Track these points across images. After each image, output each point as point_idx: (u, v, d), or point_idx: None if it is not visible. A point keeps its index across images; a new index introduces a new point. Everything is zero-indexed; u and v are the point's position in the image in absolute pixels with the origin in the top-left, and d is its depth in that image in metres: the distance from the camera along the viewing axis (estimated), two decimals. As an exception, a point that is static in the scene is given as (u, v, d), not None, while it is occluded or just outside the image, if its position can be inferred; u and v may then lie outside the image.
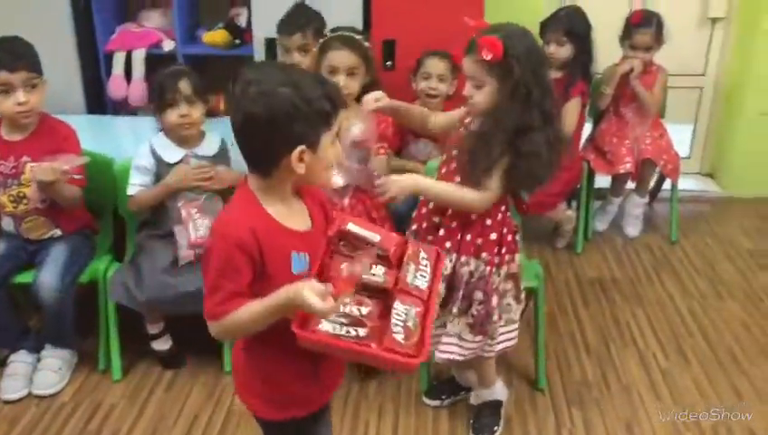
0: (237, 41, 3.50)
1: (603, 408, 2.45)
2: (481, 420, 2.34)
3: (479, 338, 2.14)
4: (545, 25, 3.21)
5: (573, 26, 3.16)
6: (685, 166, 3.75)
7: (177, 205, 2.43)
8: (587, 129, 3.51)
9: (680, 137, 3.86)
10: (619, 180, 3.52)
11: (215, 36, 3.46)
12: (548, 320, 2.79)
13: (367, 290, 1.45)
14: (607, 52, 3.35)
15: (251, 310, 1.39)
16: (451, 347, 2.15)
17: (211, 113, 3.67)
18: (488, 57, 1.87)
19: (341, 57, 2.48)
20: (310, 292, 1.31)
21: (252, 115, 1.38)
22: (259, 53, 3.22)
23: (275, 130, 1.39)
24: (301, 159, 1.41)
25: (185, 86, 2.43)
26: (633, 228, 3.55)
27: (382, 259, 1.50)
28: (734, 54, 3.87)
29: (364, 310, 1.42)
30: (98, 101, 3.50)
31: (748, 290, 3.13)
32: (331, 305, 1.32)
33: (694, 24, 3.89)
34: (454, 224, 2.09)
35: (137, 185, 2.47)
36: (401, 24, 3.12)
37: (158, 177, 2.47)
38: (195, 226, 2.41)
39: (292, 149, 1.40)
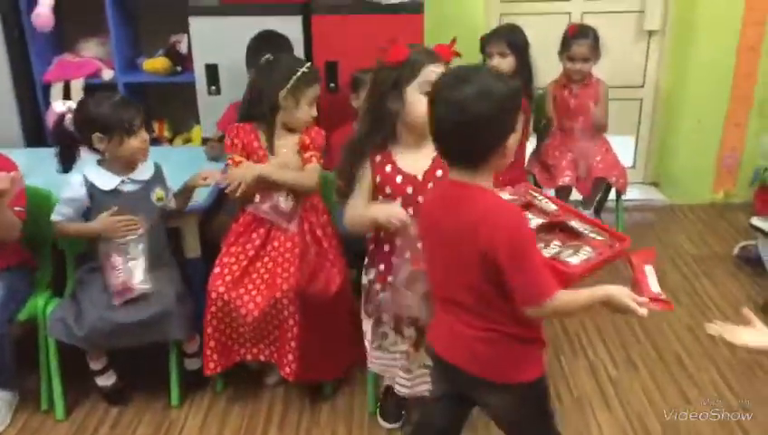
0: (178, 68, 3.47)
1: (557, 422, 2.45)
2: None
3: None
4: (487, 39, 3.24)
5: (515, 39, 3.20)
6: (630, 176, 3.81)
7: (104, 251, 2.38)
8: (532, 143, 3.55)
9: (624, 148, 3.94)
10: (562, 193, 3.56)
11: (155, 64, 3.44)
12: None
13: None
14: (546, 71, 3.41)
15: (574, 297, 1.62)
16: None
17: (156, 140, 3.67)
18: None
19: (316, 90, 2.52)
20: (627, 297, 1.62)
21: (480, 114, 1.55)
22: (200, 80, 3.20)
23: (501, 123, 1.59)
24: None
25: (141, 112, 2.41)
26: None
27: None
28: (671, 66, 3.97)
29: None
30: (36, 133, 3.44)
31: (693, 295, 3.19)
32: (642, 310, 1.62)
33: (631, 38, 3.98)
34: None
35: (60, 214, 2.41)
36: (342, 46, 3.13)
37: (95, 205, 2.40)
38: (116, 275, 2.36)
39: (508, 138, 1.60)
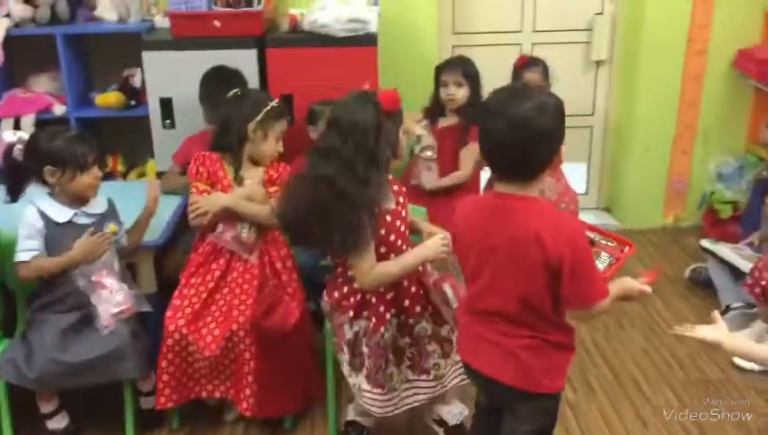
0: (132, 102, 3.45)
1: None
2: None
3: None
4: (442, 68, 3.25)
5: (469, 69, 3.24)
6: (583, 201, 3.88)
7: (88, 278, 2.33)
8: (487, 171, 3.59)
9: (576, 174, 4.02)
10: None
11: (107, 98, 3.41)
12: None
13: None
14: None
15: (609, 298, 1.73)
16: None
17: (111, 174, 3.63)
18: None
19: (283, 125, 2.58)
20: (634, 282, 1.79)
21: (541, 128, 1.64)
22: (154, 114, 3.18)
23: (556, 135, 1.70)
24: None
25: (94, 148, 2.38)
26: None
27: None
28: (619, 94, 4.09)
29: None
30: (-15, 170, 3.36)
31: (648, 318, 3.25)
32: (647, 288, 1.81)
33: (580, 68, 4.09)
34: None
35: (30, 250, 2.32)
36: (297, 79, 3.15)
37: (47, 238, 2.34)
38: (112, 298, 2.33)
39: (560, 149, 1.71)
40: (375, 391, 2.18)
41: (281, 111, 2.54)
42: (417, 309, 2.20)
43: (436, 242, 2.08)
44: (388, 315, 2.15)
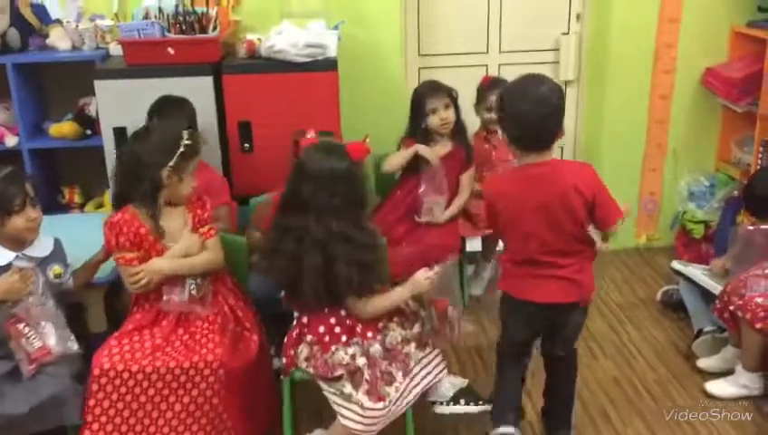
0: (88, 131, 3.35)
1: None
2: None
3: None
4: (426, 95, 3.12)
5: (451, 90, 3.16)
6: (553, 224, 3.83)
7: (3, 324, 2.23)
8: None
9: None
10: (488, 242, 3.54)
11: (62, 128, 3.31)
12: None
13: None
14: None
15: None
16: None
17: (68, 206, 3.53)
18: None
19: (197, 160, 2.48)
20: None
21: (557, 104, 2.18)
22: (109, 143, 3.09)
23: (564, 110, 2.24)
24: None
25: (30, 189, 2.29)
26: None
27: None
28: (588, 114, 4.04)
29: None
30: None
31: (619, 345, 3.18)
32: None
33: (548, 88, 4.03)
34: None
35: None
36: (255, 106, 3.08)
37: None
38: (28, 341, 2.21)
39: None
40: (377, 405, 2.19)
41: (195, 147, 2.38)
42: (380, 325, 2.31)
43: (421, 277, 2.26)
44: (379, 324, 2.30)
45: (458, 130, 3.19)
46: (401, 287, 2.30)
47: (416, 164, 3.12)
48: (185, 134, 2.35)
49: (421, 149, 3.07)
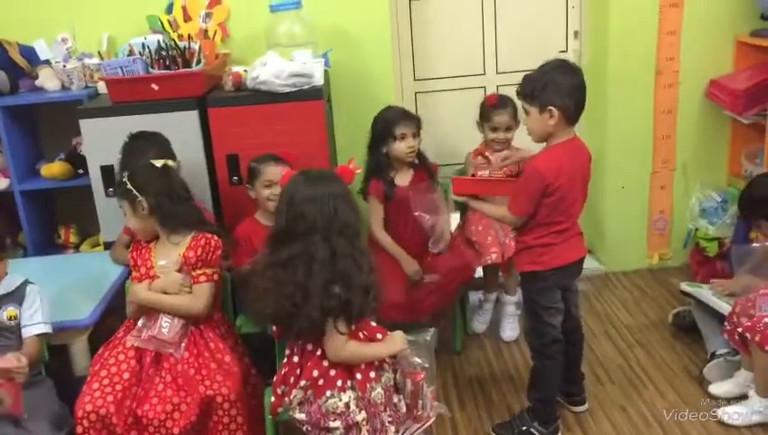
0: (80, 170, 3.34)
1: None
2: None
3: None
4: (394, 122, 3.08)
5: (419, 120, 3.14)
6: (561, 246, 3.71)
7: None
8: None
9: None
10: (488, 272, 3.43)
11: (51, 169, 3.31)
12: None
13: None
14: (461, 146, 3.33)
15: None
16: None
17: (63, 246, 3.51)
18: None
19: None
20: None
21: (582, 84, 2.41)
22: (97, 182, 3.06)
23: None
24: None
25: None
26: (511, 331, 3.39)
27: None
28: (589, 132, 3.91)
29: None
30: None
31: (627, 370, 3.03)
32: None
33: (549, 107, 3.94)
34: None
35: None
36: (242, 138, 3.03)
37: None
38: None
39: None
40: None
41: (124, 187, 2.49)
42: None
43: (399, 338, 2.20)
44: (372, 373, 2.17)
45: (419, 156, 3.15)
46: (380, 344, 2.21)
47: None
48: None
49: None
